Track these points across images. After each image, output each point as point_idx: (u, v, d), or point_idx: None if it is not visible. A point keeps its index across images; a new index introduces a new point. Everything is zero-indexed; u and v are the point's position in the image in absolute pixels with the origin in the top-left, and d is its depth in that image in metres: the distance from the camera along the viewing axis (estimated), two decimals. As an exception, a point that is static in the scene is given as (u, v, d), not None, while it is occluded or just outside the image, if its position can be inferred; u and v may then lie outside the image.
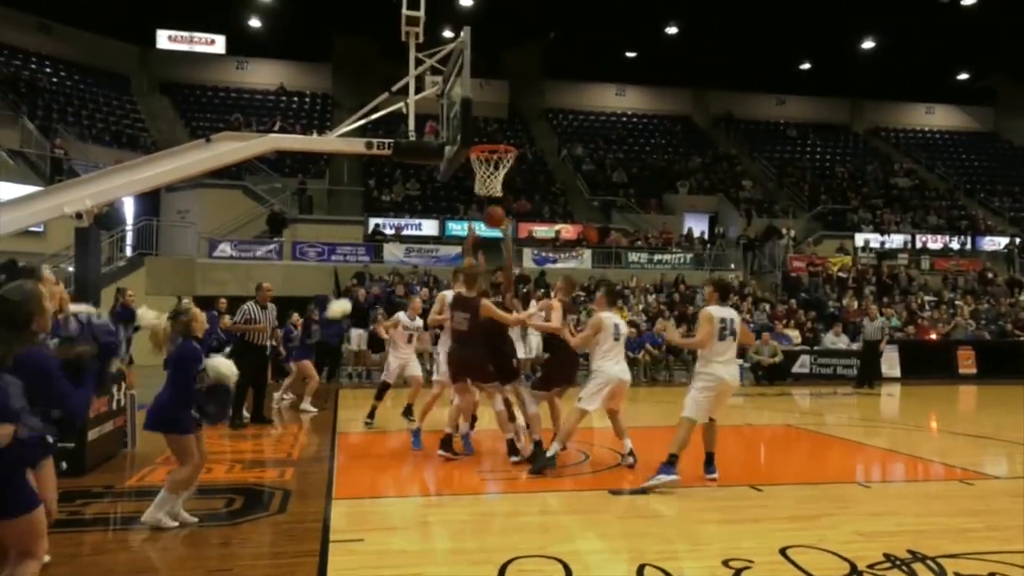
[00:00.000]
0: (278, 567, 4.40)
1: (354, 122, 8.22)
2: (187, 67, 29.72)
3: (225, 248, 20.49)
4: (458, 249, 22.32)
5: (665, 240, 24.66)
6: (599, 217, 26.13)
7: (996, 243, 27.03)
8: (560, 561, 4.33)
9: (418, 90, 8.54)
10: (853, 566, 4.28)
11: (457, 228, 23.67)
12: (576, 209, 26.51)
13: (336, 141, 8.60)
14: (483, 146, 8.55)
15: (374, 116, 8.51)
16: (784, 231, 25.04)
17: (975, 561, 4.40)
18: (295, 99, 30.51)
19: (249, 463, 7.38)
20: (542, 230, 24.16)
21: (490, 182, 9.26)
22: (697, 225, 27.12)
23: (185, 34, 29.71)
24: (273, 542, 4.91)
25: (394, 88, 8.17)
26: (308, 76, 31.56)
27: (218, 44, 30.46)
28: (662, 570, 4.19)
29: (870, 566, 4.29)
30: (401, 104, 8.40)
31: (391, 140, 8.23)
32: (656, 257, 23.49)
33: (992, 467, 7.55)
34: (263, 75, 30.89)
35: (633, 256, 23.31)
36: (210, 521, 5.24)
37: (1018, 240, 26.54)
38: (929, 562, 4.37)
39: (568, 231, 24.26)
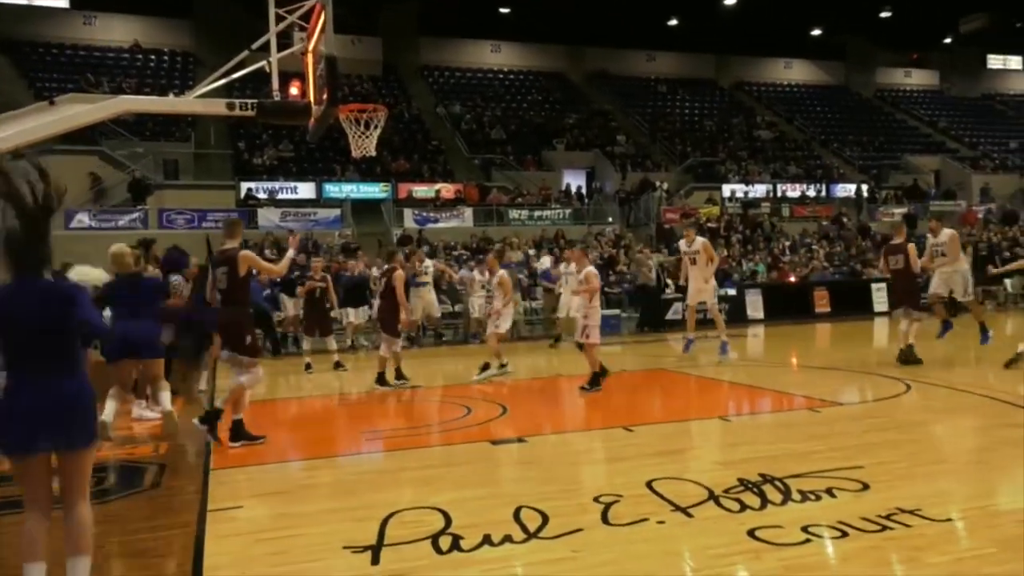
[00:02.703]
0: (154, 540, 4.33)
1: (213, 82, 7.86)
2: (27, 23, 27.21)
3: (83, 219, 19.18)
4: (337, 212, 21.86)
5: (544, 196, 25.02)
6: (479, 175, 26.16)
7: (848, 190, 29.02)
8: (440, 511, 4.47)
9: (283, 47, 8.25)
10: (711, 492, 4.64)
11: (334, 190, 23.12)
12: (456, 168, 26.42)
13: (195, 102, 8.20)
14: (352, 105, 8.42)
15: (236, 75, 8.16)
16: (657, 184, 25.95)
17: (817, 479, 4.86)
18: (152, 58, 28.56)
19: (120, 439, 7.11)
20: (422, 190, 23.99)
21: (363, 142, 9.15)
22: (575, 181, 27.64)
23: (22, -15, 27.20)
24: (148, 516, 4.81)
25: (254, 45, 7.84)
26: (166, 33, 29.57)
27: (61, -3, 28.08)
28: (537, 510, 4.40)
29: (726, 491, 4.66)
30: (264, 63, 8.10)
31: (254, 100, 7.92)
32: (536, 213, 23.81)
33: (839, 395, 8.27)
34: (115, 31, 28.67)
35: (514, 213, 23.54)
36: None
37: (865, 187, 28.60)
38: (777, 483, 4.79)
39: (448, 190, 24.20)
